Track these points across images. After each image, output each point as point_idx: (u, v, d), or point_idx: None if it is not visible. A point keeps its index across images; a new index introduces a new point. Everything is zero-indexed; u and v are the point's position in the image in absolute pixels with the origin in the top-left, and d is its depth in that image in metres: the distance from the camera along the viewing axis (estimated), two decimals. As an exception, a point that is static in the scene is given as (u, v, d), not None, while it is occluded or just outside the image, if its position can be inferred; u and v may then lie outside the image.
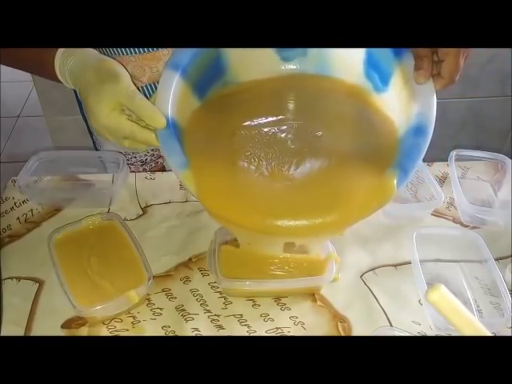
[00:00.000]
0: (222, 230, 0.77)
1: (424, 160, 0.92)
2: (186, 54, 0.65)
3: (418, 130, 0.60)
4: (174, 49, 0.68)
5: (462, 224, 0.86)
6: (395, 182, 0.58)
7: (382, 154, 0.62)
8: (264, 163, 0.64)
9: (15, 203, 0.88)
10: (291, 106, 0.70)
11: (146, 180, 0.93)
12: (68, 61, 0.65)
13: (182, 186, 0.92)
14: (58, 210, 0.87)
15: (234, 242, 0.75)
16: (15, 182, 0.87)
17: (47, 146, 1.82)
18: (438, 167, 0.96)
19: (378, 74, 0.68)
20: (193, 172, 0.59)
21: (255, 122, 0.67)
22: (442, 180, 0.94)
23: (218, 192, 0.61)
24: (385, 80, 0.68)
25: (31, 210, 0.87)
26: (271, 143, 0.65)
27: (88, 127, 1.00)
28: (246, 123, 0.67)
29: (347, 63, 0.70)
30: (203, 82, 0.67)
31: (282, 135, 0.66)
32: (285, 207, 0.61)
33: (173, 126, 0.61)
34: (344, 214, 0.60)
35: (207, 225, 0.83)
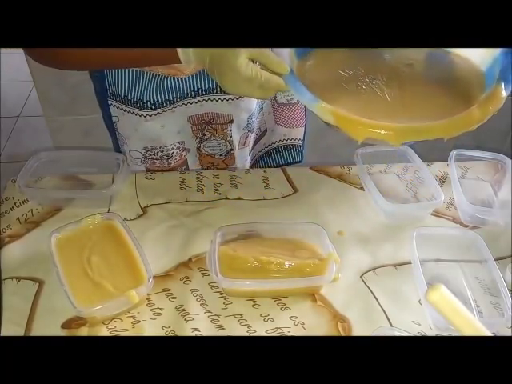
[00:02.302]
0: (222, 230, 0.78)
1: (424, 160, 0.93)
2: None
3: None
4: None
5: (462, 224, 0.86)
6: (503, 87, 0.70)
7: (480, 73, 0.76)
8: (376, 87, 0.75)
9: (15, 203, 0.88)
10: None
11: (145, 180, 0.93)
12: None
13: (181, 186, 0.92)
14: (58, 209, 0.87)
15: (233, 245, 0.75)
16: (15, 181, 0.87)
17: (47, 146, 1.82)
18: (438, 167, 0.96)
19: None
20: (325, 104, 0.70)
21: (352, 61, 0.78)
22: (442, 180, 0.94)
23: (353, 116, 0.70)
24: None
25: (31, 210, 0.87)
26: (371, 72, 0.77)
27: (109, 126, 1.00)
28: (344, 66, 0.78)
29: None
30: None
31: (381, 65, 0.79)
32: (411, 116, 0.72)
33: (292, 71, 0.72)
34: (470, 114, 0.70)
35: (207, 225, 0.83)
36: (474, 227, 0.85)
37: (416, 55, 0.80)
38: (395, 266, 0.79)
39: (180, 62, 0.72)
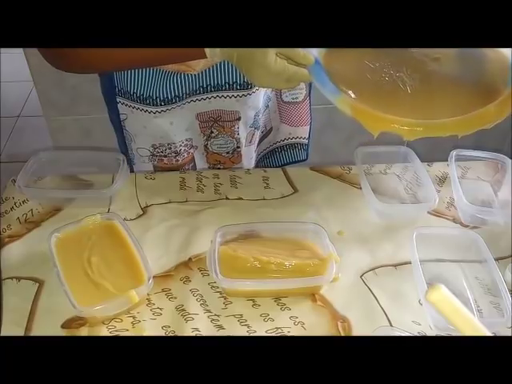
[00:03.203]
0: (222, 230, 0.78)
1: (424, 160, 0.93)
2: None
3: None
4: None
5: (462, 224, 0.86)
6: None
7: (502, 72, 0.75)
8: (399, 79, 0.75)
9: (15, 203, 0.88)
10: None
11: (145, 180, 0.93)
12: None
13: (181, 186, 0.92)
14: (58, 209, 0.87)
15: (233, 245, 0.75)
16: (15, 181, 0.87)
17: (47, 145, 1.82)
18: (438, 167, 0.96)
19: None
20: (344, 96, 0.71)
21: (379, 53, 0.78)
22: (442, 180, 0.94)
23: (370, 109, 0.71)
24: None
25: (31, 209, 0.87)
26: (397, 64, 0.76)
27: (116, 125, 1.00)
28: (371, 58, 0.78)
29: None
30: None
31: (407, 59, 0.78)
32: (428, 110, 0.72)
33: (318, 63, 0.73)
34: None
35: (207, 225, 0.83)
36: (474, 227, 0.85)
37: (445, 49, 0.79)
38: (395, 265, 0.79)
39: (205, 57, 0.74)
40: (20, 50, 1.60)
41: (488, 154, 0.93)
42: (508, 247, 0.81)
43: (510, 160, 0.92)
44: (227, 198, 0.90)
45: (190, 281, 0.76)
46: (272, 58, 0.71)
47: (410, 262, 0.77)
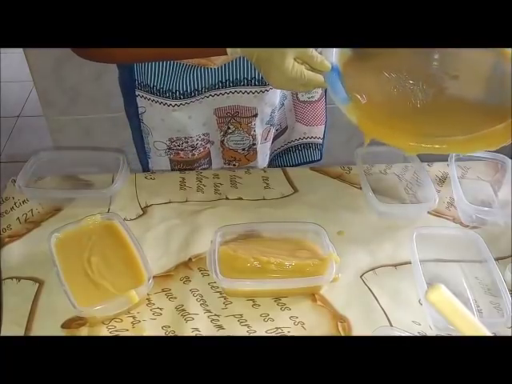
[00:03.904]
0: (222, 230, 0.78)
1: (424, 160, 0.93)
2: None
3: None
4: None
5: (462, 224, 0.86)
6: None
7: None
8: (411, 93, 0.75)
9: (15, 203, 0.88)
10: (432, 51, 0.80)
11: (145, 180, 0.93)
12: None
13: (181, 186, 0.92)
14: (58, 209, 0.87)
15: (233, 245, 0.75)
16: (15, 181, 0.87)
17: (47, 145, 1.82)
18: (438, 167, 0.96)
19: None
20: (353, 105, 0.73)
21: (400, 65, 0.79)
22: (442, 180, 0.94)
23: (376, 120, 0.74)
24: None
25: (31, 209, 0.87)
26: (414, 77, 0.77)
27: (132, 118, 0.99)
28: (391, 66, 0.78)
29: None
30: None
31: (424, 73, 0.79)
32: (434, 127, 0.73)
33: (335, 70, 0.75)
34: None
35: (207, 225, 0.83)
36: (473, 227, 0.85)
37: (465, 66, 0.79)
38: (395, 265, 0.79)
39: (226, 54, 0.76)
40: (20, 50, 1.60)
41: (488, 154, 0.93)
42: (508, 247, 0.81)
43: (510, 160, 0.92)
44: (227, 198, 0.90)
45: (190, 281, 0.76)
46: (290, 62, 0.73)
47: (409, 262, 0.77)
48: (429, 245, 0.78)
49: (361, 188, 0.91)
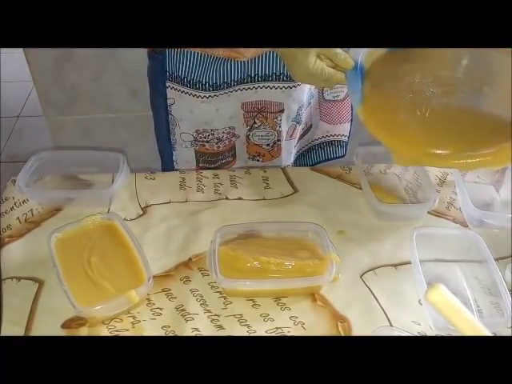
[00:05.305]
0: (222, 230, 0.78)
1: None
2: None
3: None
4: None
5: (461, 224, 0.86)
6: None
7: None
8: (423, 99, 0.74)
9: (15, 203, 0.88)
10: (463, 62, 0.78)
11: (146, 180, 0.93)
12: None
13: (181, 186, 0.92)
14: (58, 209, 0.87)
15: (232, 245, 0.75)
16: (15, 181, 0.87)
17: (47, 145, 1.81)
18: (439, 167, 0.96)
19: None
20: (365, 107, 0.75)
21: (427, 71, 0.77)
22: (442, 180, 0.94)
23: (386, 126, 0.75)
24: None
25: (31, 209, 0.87)
26: (438, 86, 0.75)
27: (159, 110, 0.99)
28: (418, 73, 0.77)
29: None
30: None
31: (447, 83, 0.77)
32: (443, 140, 0.73)
33: (360, 69, 0.76)
34: None
35: (207, 225, 0.83)
36: (473, 227, 0.84)
37: (492, 80, 0.77)
38: (395, 265, 0.79)
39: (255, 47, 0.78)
40: (20, 50, 1.60)
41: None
42: (508, 247, 0.81)
43: (509, 160, 0.92)
44: (227, 198, 0.90)
45: (190, 281, 0.76)
46: (312, 59, 0.75)
47: (410, 262, 0.77)
48: (429, 245, 0.78)
49: (361, 188, 0.91)
